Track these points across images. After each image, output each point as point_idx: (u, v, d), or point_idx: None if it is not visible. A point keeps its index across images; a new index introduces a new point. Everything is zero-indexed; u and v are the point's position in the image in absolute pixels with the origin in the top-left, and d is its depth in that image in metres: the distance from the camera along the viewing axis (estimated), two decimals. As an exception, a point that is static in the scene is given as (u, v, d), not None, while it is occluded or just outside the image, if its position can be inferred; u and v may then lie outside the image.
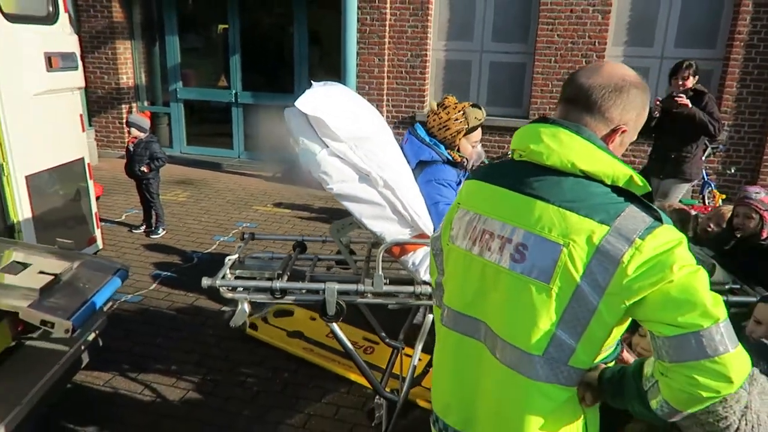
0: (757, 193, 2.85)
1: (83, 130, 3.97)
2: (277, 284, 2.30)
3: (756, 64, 6.75)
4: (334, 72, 7.31)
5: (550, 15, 7.17)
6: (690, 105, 4.44)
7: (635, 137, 1.39)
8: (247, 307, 2.35)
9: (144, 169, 5.56)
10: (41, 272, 2.45)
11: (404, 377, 2.66)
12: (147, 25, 9.05)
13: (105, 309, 2.87)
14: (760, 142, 6.97)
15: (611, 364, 1.38)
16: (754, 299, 2.14)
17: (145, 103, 9.30)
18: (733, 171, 7.00)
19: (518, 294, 1.27)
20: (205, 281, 2.29)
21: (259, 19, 8.99)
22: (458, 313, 1.43)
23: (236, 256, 2.59)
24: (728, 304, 2.15)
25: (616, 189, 1.25)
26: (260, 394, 3.26)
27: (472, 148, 2.62)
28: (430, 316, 2.49)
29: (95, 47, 8.73)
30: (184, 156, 9.04)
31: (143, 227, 5.85)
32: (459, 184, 2.46)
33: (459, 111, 2.57)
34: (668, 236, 1.18)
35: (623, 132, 1.31)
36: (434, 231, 1.87)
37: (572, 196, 1.24)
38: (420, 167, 2.49)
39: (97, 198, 5.89)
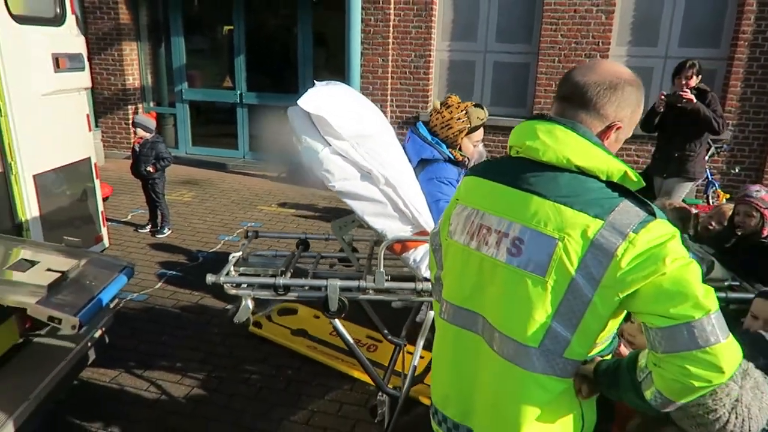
0: (757, 191, 2.86)
1: (90, 130, 4.01)
2: (280, 281, 2.33)
3: (760, 63, 6.73)
4: (339, 72, 7.34)
5: (554, 15, 7.18)
6: (695, 100, 4.45)
7: (630, 134, 1.41)
8: (250, 304, 2.38)
9: (150, 169, 5.61)
10: (49, 270, 2.48)
11: (406, 374, 2.69)
12: (153, 26, 9.13)
13: (111, 306, 2.90)
14: (764, 141, 6.96)
15: (608, 357, 1.41)
16: (753, 296, 2.15)
17: (151, 104, 9.37)
18: (737, 170, 6.99)
19: (515, 287, 1.30)
20: (210, 278, 2.32)
21: (264, 21, 9.04)
22: (457, 306, 1.46)
23: (240, 253, 2.63)
24: (728, 301, 2.19)
25: (610, 184, 1.27)
26: (264, 391, 3.30)
27: (474, 148, 2.65)
28: (431, 313, 2.52)
29: (102, 49, 8.80)
30: (189, 156, 9.10)
31: (149, 227, 5.91)
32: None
33: (462, 110, 2.59)
34: (661, 230, 1.20)
35: (618, 129, 1.33)
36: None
37: (567, 192, 1.26)
38: (422, 165, 2.51)
39: (106, 198, 5.97)
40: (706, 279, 2.25)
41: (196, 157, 9.09)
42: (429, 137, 2.56)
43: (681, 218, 3.04)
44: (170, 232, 5.86)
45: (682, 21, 6.99)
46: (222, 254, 5.26)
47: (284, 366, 3.53)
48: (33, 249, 2.79)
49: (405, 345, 3.15)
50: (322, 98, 2.20)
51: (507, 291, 1.32)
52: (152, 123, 5.78)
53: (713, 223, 3.17)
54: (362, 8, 7.27)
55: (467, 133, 2.57)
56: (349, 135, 2.20)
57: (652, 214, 1.22)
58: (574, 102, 1.32)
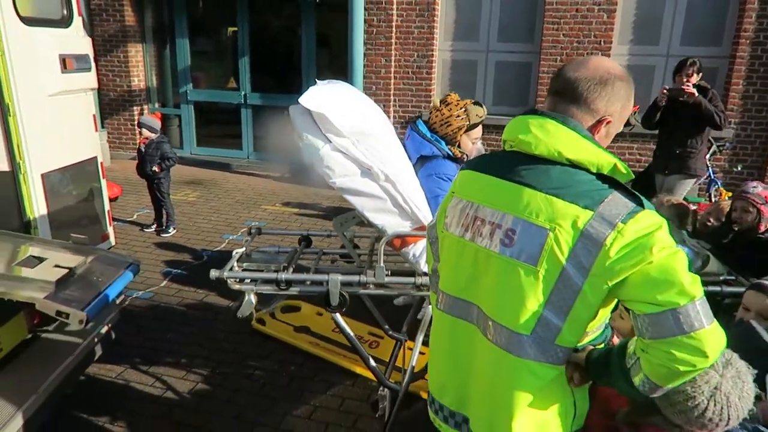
0: (754, 187, 2.88)
1: (96, 130, 4.07)
2: (282, 276, 2.38)
3: (762, 61, 6.74)
4: (342, 73, 7.40)
5: (556, 14, 7.21)
6: (696, 94, 4.46)
7: (621, 128, 1.45)
8: (253, 299, 2.43)
9: (155, 168, 5.67)
10: (56, 266, 2.53)
11: (407, 369, 2.72)
12: (158, 28, 9.21)
13: (117, 302, 2.95)
14: (766, 139, 6.96)
15: (601, 347, 1.44)
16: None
17: (156, 105, 9.45)
18: (739, 168, 6.99)
19: (507, 277, 1.34)
20: (213, 273, 2.37)
21: (267, 22, 9.11)
22: (453, 297, 1.50)
23: (243, 249, 2.67)
24: (723, 295, 2.22)
25: (600, 177, 1.31)
26: (267, 387, 3.34)
27: (473, 145, 2.69)
28: (431, 309, 2.55)
29: (108, 50, 8.89)
30: (194, 157, 9.17)
31: (154, 226, 5.97)
32: (459, 178, 2.52)
33: (461, 108, 2.63)
34: (649, 220, 1.24)
35: (608, 123, 1.37)
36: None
37: (559, 184, 1.30)
38: (421, 162, 2.56)
39: (116, 199, 6.03)
40: (702, 273, 2.29)
41: (200, 157, 9.16)
42: (428, 134, 2.60)
43: (679, 214, 3.06)
44: (175, 231, 5.92)
45: (684, 19, 7.00)
46: (226, 253, 5.31)
47: (287, 362, 3.58)
48: (41, 246, 2.85)
49: (406, 340, 3.18)
50: (323, 96, 2.25)
51: (500, 281, 1.36)
52: (157, 123, 5.84)
53: (711, 220, 3.19)
54: (365, 9, 7.33)
55: (466, 130, 2.61)
56: (349, 132, 2.25)
57: (641, 205, 1.26)
58: (566, 97, 1.36)
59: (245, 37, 8.71)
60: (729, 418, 1.33)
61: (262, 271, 2.63)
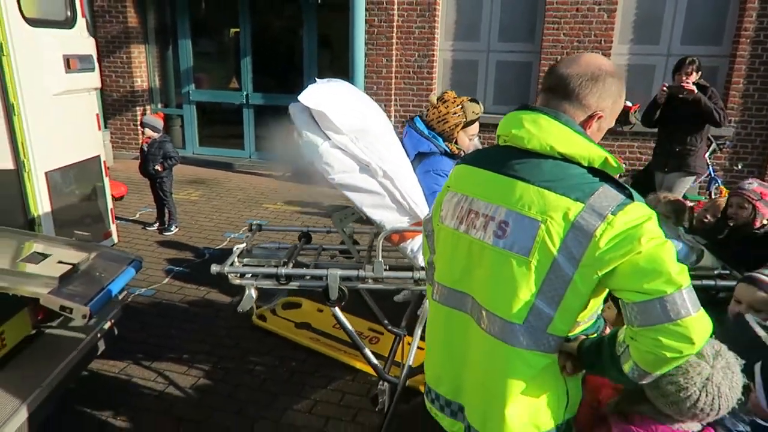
0: (750, 183, 2.91)
1: (99, 129, 4.11)
2: (283, 270, 2.41)
3: (762, 60, 6.76)
4: (343, 73, 7.43)
5: (556, 14, 7.24)
6: (696, 90, 4.48)
7: (612, 123, 1.48)
8: (254, 293, 2.46)
9: (158, 167, 5.72)
10: (60, 262, 2.57)
11: (405, 364, 2.75)
12: (161, 29, 9.26)
13: (120, 298, 2.99)
14: (767, 138, 6.97)
15: (593, 336, 1.47)
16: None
17: (159, 106, 9.50)
18: (740, 167, 7.01)
19: (500, 268, 1.37)
20: (214, 267, 2.40)
21: (269, 23, 9.16)
22: (448, 288, 1.53)
23: (244, 245, 2.71)
24: (717, 289, 2.24)
25: (592, 170, 1.34)
26: (268, 382, 3.38)
27: (470, 141, 2.72)
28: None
29: (111, 51, 8.94)
30: (196, 156, 9.22)
31: (156, 225, 6.01)
32: (456, 175, 2.55)
33: (458, 105, 2.67)
34: (638, 212, 1.27)
35: (600, 118, 1.40)
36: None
37: (551, 177, 1.33)
38: (418, 158, 2.59)
39: (121, 198, 6.07)
40: (696, 267, 2.31)
41: (203, 157, 9.21)
42: (426, 131, 2.63)
43: (675, 211, 3.08)
44: (177, 230, 5.97)
45: (684, 18, 7.02)
46: (228, 251, 5.25)
47: (288, 357, 3.61)
48: (45, 243, 2.88)
49: (405, 335, 3.22)
50: (322, 94, 2.28)
51: (494, 272, 1.39)
52: (160, 123, 5.89)
53: (708, 216, 3.22)
54: (366, 9, 7.36)
55: (463, 127, 2.64)
56: (348, 129, 2.28)
57: (630, 197, 1.29)
58: (558, 93, 1.39)
59: (247, 38, 8.76)
60: (719, 408, 1.36)
61: (262, 266, 2.67)
